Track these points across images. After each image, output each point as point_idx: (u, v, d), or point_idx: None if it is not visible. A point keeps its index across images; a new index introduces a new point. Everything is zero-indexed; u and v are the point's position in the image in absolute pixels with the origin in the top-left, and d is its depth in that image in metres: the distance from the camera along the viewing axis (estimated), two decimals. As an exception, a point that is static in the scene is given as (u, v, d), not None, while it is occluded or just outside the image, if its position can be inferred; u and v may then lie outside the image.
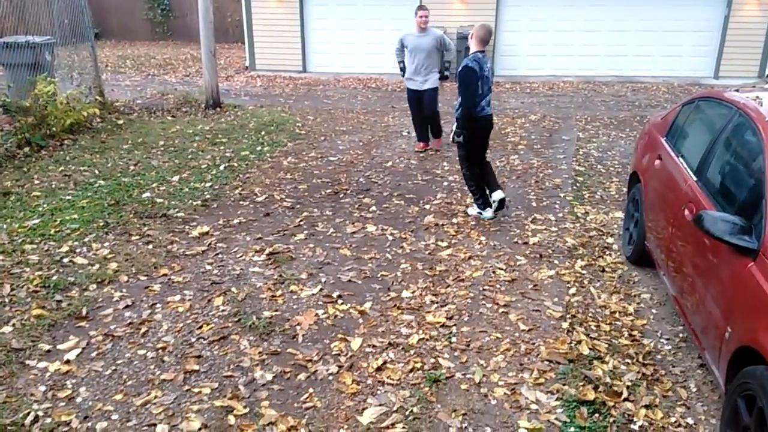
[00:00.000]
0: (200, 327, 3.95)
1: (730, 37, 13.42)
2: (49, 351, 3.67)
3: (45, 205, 5.98)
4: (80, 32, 9.93)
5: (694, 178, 3.82)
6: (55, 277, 4.54)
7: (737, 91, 4.21)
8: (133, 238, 5.30)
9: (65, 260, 4.84)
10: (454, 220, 5.75)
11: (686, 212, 3.66)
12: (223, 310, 4.15)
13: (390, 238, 5.38)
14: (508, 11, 13.99)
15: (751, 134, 3.41)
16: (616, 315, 4.12)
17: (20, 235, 5.27)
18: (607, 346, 3.75)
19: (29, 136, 7.78)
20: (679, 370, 3.56)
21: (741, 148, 3.59)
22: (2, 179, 6.74)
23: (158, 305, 4.22)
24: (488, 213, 5.74)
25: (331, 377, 3.46)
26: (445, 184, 6.82)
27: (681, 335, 3.89)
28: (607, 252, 5.09)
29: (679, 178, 4.04)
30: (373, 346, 3.75)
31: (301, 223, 5.70)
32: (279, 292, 4.40)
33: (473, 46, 5.46)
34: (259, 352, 3.68)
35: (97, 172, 7.07)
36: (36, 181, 6.70)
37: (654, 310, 4.21)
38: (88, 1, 10.05)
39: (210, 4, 10.40)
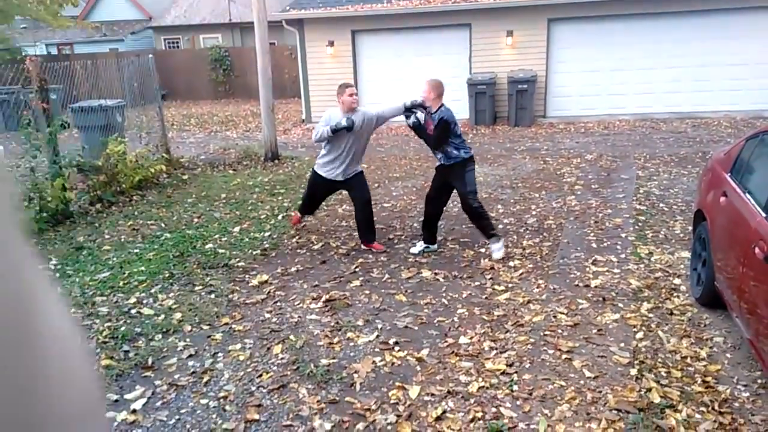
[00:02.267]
0: (260, 375, 3.99)
1: (793, 68, 12.97)
2: (116, 401, 3.78)
3: (115, 259, 6.25)
4: (149, 94, 10.55)
5: (764, 215, 3.66)
6: (123, 328, 4.71)
7: (804, 122, 4.06)
8: (196, 288, 5.45)
9: (133, 311, 5.02)
10: (511, 263, 5.67)
11: (757, 250, 3.49)
12: (281, 358, 4.19)
13: (446, 282, 5.34)
14: (558, 54, 14.01)
15: (822, 167, 3.26)
16: (688, 360, 3.92)
17: (91, 288, 5.51)
18: (679, 393, 3.56)
19: (101, 193, 8.23)
20: (759, 419, 3.33)
21: (811, 181, 3.43)
22: (75, 235, 7.11)
23: (220, 354, 4.29)
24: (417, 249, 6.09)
25: (389, 427, 3.41)
26: (500, 226, 6.75)
27: (759, 381, 3.66)
28: (675, 294, 4.89)
29: (748, 214, 3.88)
30: (432, 395, 3.69)
31: (357, 269, 5.74)
32: (336, 340, 4.41)
33: (436, 103, 5.74)
34: (318, 401, 3.67)
35: (163, 225, 7.36)
36: (107, 236, 7.04)
37: (728, 355, 3.98)
38: (156, 64, 10.69)
39: (268, 64, 10.87)
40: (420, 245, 6.15)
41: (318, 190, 6.47)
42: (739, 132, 11.05)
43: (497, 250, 5.79)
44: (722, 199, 4.44)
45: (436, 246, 6.16)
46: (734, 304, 3.93)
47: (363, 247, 6.27)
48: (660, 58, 13.51)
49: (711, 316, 4.48)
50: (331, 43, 14.86)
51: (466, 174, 5.80)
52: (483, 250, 6.08)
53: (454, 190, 5.97)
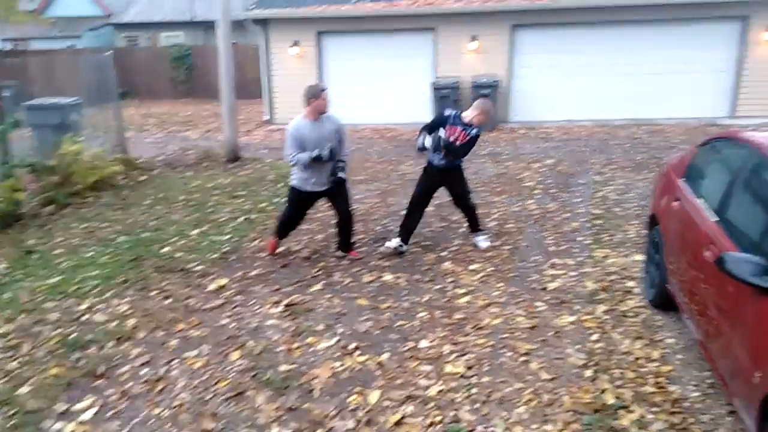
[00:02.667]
0: (216, 383, 3.92)
1: (745, 78, 13.39)
2: (65, 412, 3.66)
3: (67, 263, 6.07)
4: (107, 93, 10.30)
5: (714, 219, 3.76)
6: (73, 335, 4.57)
7: (754, 131, 4.18)
8: (151, 293, 5.33)
9: (84, 318, 4.88)
10: (472, 267, 5.70)
11: (708, 254, 3.58)
12: (239, 365, 4.12)
13: (407, 286, 5.34)
14: (521, 59, 14.18)
15: (769, 173, 3.36)
16: (641, 361, 4.00)
17: (41, 294, 5.34)
18: (632, 394, 3.63)
19: (54, 194, 7.98)
20: (709, 418, 3.42)
21: (761, 187, 3.53)
22: (26, 238, 6.89)
23: (175, 361, 4.20)
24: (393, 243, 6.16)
25: (348, 433, 3.39)
26: (461, 230, 6.79)
27: (709, 381, 3.76)
28: (629, 296, 4.98)
29: (699, 219, 3.98)
30: (391, 400, 3.68)
31: (318, 273, 5.70)
32: (296, 345, 4.37)
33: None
34: (276, 408, 3.63)
35: (118, 228, 7.19)
36: (59, 239, 6.83)
37: (679, 356, 4.08)
38: (115, 62, 10.44)
39: (231, 63, 10.73)
40: (396, 241, 6.14)
41: (302, 207, 5.99)
42: (693, 139, 11.35)
43: (484, 240, 6.28)
44: (675, 204, 4.55)
45: (407, 247, 6.20)
46: (685, 306, 4.03)
47: (341, 253, 6.09)
48: (618, 66, 13.81)
49: (663, 318, 4.59)
50: (296, 44, 14.75)
51: (464, 176, 6.23)
52: (444, 253, 6.11)
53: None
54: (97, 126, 10.28)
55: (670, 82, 13.68)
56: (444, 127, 5.83)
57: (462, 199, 6.23)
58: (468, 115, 5.87)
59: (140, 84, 23.22)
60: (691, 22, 13.35)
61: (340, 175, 5.75)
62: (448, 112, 5.92)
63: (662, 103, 13.76)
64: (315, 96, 5.60)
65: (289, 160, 5.72)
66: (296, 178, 5.85)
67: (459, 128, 5.83)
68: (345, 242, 6.09)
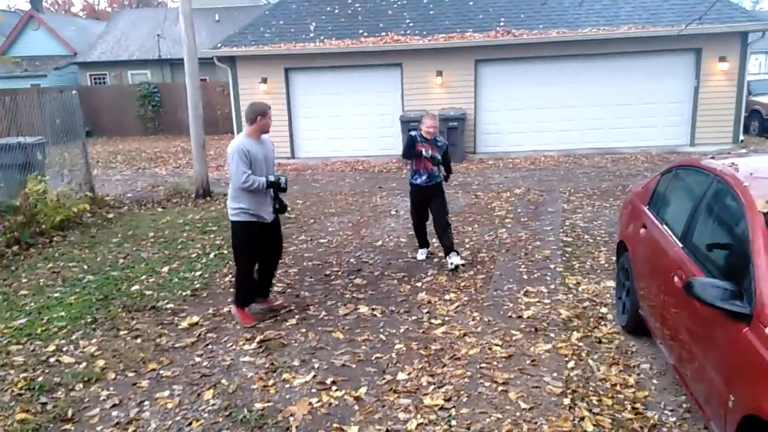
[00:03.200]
0: (189, 424, 3.81)
1: (702, 106, 13.92)
2: (32, 457, 3.52)
3: (32, 304, 5.90)
4: (72, 131, 10.17)
5: (680, 245, 3.85)
6: (40, 379, 4.42)
7: (713, 158, 4.32)
8: (121, 333, 5.20)
9: (51, 360, 4.73)
10: (447, 297, 5.71)
11: (676, 279, 3.66)
12: (213, 404, 4.02)
13: (383, 318, 5.32)
14: (486, 93, 14.52)
15: (731, 199, 3.47)
16: (617, 387, 4.03)
17: (6, 336, 5.17)
18: (611, 421, 3.64)
19: (18, 234, 7.79)
20: (686, 443, 3.44)
21: (723, 213, 3.64)
22: (-11, 279, 6.68)
23: (146, 402, 4.08)
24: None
25: (327, 470, 3.32)
26: (435, 260, 6.82)
27: (685, 405, 3.80)
28: (603, 322, 5.04)
29: (666, 245, 4.07)
30: (370, 434, 3.62)
31: (293, 307, 5.63)
32: (271, 382, 4.29)
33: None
34: (252, 447, 3.54)
35: (86, 267, 7.02)
36: (24, 280, 6.64)
37: (655, 381, 4.12)
38: (81, 101, 10.35)
39: (199, 100, 10.73)
40: (423, 252, 7.01)
41: (257, 244, 5.29)
42: (655, 166, 11.71)
43: (459, 257, 6.51)
44: (642, 230, 4.65)
45: (428, 248, 7.05)
46: (658, 331, 4.09)
47: (260, 302, 5.55)
48: (580, 97, 14.23)
49: (637, 343, 4.64)
50: (264, 80, 14.84)
51: (444, 193, 6.71)
52: (419, 284, 6.12)
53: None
54: (63, 164, 10.12)
55: (631, 112, 14.15)
56: (415, 147, 6.42)
57: (442, 216, 6.58)
58: (424, 131, 6.44)
59: (107, 122, 23.04)
60: (648, 55, 13.89)
61: (286, 203, 5.47)
62: (413, 133, 6.54)
63: (624, 132, 14.20)
64: (262, 113, 5.18)
65: (242, 181, 4.94)
66: (243, 209, 5.10)
67: (427, 144, 6.43)
68: (269, 285, 5.62)
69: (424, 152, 6.36)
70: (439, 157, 6.46)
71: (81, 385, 4.32)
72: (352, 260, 7.00)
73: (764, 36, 13.53)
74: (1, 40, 27.15)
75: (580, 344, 4.65)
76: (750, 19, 13.88)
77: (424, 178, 6.50)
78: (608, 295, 5.56)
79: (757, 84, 17.15)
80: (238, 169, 4.98)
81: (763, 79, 19.78)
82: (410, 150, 6.42)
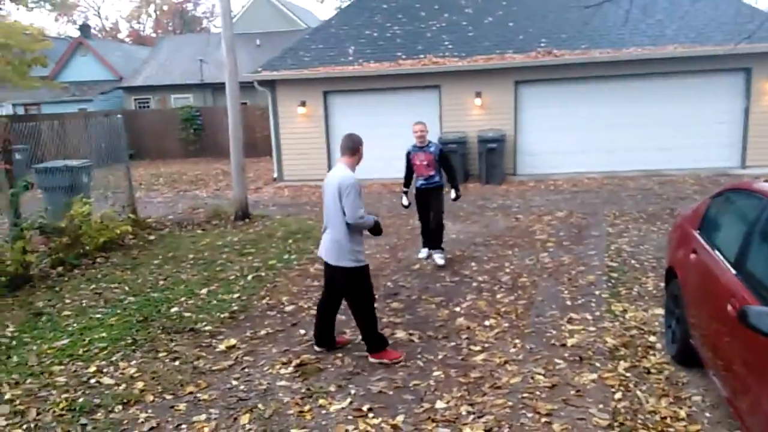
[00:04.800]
0: (226, 449, 3.77)
1: (753, 127, 13.47)
2: (69, 480, 3.52)
3: (75, 325, 5.99)
4: (116, 154, 10.45)
5: (734, 272, 3.67)
6: (81, 400, 4.46)
7: (766, 181, 4.15)
8: (160, 354, 5.22)
9: (92, 381, 4.77)
10: (486, 323, 5.58)
11: (729, 307, 3.48)
12: (249, 429, 3.98)
13: (421, 343, 5.22)
14: (526, 114, 14.36)
15: (787, 224, 3.30)
16: (668, 421, 3.84)
17: (49, 356, 5.25)
18: (661, 457, 3.46)
19: (63, 256, 7.98)
20: (745, 483, 3.24)
21: (778, 238, 3.46)
22: (35, 300, 6.84)
23: (183, 426, 4.07)
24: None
25: (364, 502, 3.22)
26: (474, 285, 6.70)
27: (741, 442, 3.58)
28: (651, 352, 4.83)
29: (718, 272, 3.89)
30: (408, 465, 3.52)
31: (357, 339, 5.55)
32: (307, 407, 4.23)
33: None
34: (288, 476, 3.47)
35: (127, 288, 7.13)
36: (67, 301, 6.77)
37: (708, 414, 3.92)
38: (125, 124, 10.63)
39: (239, 123, 10.91)
40: (424, 251, 7.76)
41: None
42: (704, 189, 11.35)
43: (440, 257, 7.47)
44: (692, 256, 4.46)
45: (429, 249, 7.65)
46: (710, 362, 3.90)
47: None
48: (624, 118, 13.93)
49: (688, 374, 4.43)
50: (303, 103, 15.03)
51: (443, 195, 7.46)
52: (458, 309, 6.00)
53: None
54: (107, 187, 10.37)
55: (678, 133, 13.78)
56: (411, 161, 7.37)
57: (436, 215, 7.37)
58: (415, 139, 7.31)
59: (150, 144, 23.65)
60: (695, 75, 13.56)
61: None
62: (407, 150, 7.44)
63: (671, 153, 13.82)
64: (361, 144, 5.00)
65: (358, 216, 4.69)
66: (361, 252, 4.87)
67: (421, 153, 7.31)
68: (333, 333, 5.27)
69: (417, 161, 7.31)
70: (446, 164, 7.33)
71: (120, 407, 4.34)
72: (389, 284, 6.93)
73: (815, 54, 13.07)
74: (51, 66, 28.25)
75: (628, 374, 4.46)
76: (801, 36, 13.43)
77: (422, 181, 7.42)
78: (657, 323, 5.34)
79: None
80: (356, 203, 4.68)
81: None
82: (408, 167, 7.45)
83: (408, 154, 7.43)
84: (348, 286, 4.90)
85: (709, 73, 13.48)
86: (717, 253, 4.08)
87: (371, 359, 4.93)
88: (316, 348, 5.16)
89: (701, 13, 14.30)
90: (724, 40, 12.76)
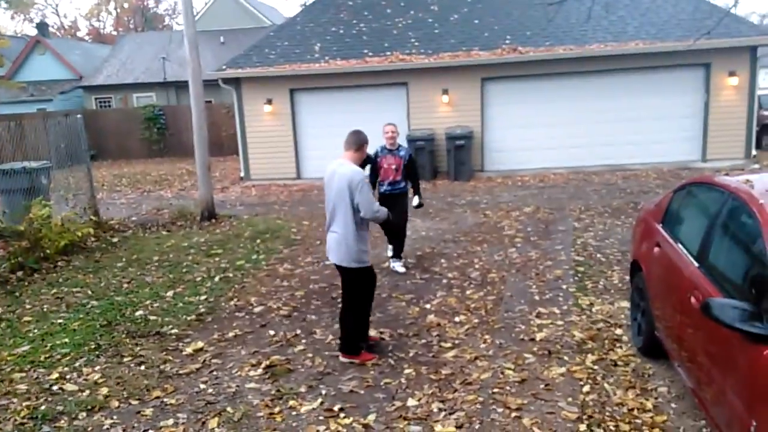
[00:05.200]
0: (194, 454, 3.70)
1: (713, 122, 13.81)
2: (31, 492, 3.41)
3: (36, 330, 5.82)
4: (77, 155, 10.17)
5: (696, 264, 3.75)
6: (43, 407, 4.33)
7: (727, 174, 4.23)
8: (125, 359, 5.10)
9: (54, 388, 4.64)
10: (457, 319, 5.60)
11: (692, 300, 3.55)
12: (218, 434, 3.91)
13: (392, 341, 5.20)
14: (493, 110, 14.47)
15: (747, 217, 3.38)
16: (635, 412, 3.90)
17: (9, 364, 5.08)
18: (629, 448, 3.51)
19: (22, 260, 7.74)
20: (710, 471, 3.31)
21: (739, 231, 3.55)
22: (-7, 305, 6.62)
23: (150, 431, 3.98)
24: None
25: (336, 503, 3.20)
26: (444, 281, 6.72)
27: (705, 430, 3.66)
28: (618, 344, 4.91)
29: (681, 264, 3.96)
30: (380, 464, 3.50)
31: (299, 331, 5.53)
32: (277, 409, 4.18)
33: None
34: (258, 479, 3.42)
35: (90, 292, 6.95)
36: (27, 306, 6.57)
37: (673, 405, 3.99)
38: (86, 124, 10.36)
39: (204, 121, 10.73)
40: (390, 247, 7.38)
41: None
42: (667, 183, 11.59)
43: (400, 266, 7.21)
44: (656, 249, 4.54)
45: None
46: (675, 354, 3.97)
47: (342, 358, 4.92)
48: (589, 113, 14.15)
49: (654, 365, 4.51)
50: (270, 101, 14.88)
51: (407, 201, 7.24)
52: (428, 306, 6.01)
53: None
54: (67, 188, 10.11)
55: (641, 128, 14.04)
56: (378, 163, 7.00)
57: (399, 222, 6.97)
58: (385, 140, 7.03)
59: (112, 145, 23.15)
60: (657, 70, 13.83)
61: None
62: (374, 151, 6.90)
63: (635, 148, 14.09)
64: (366, 143, 4.91)
65: (375, 210, 4.68)
66: (366, 252, 4.79)
67: (390, 156, 7.06)
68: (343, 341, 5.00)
69: (386, 164, 7.00)
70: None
71: (84, 414, 4.23)
72: (359, 282, 6.89)
73: (772, 50, 13.48)
74: (8, 66, 27.41)
75: (595, 367, 4.52)
76: (759, 33, 13.81)
77: (386, 186, 7.09)
78: (623, 316, 5.43)
79: (768, 98, 17.04)
80: (370, 197, 4.67)
81: (773, 93, 19.64)
82: (373, 170, 6.84)
83: (375, 156, 6.93)
84: (349, 285, 4.82)
85: (670, 68, 13.78)
86: (680, 246, 4.15)
87: (342, 359, 4.88)
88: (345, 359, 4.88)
89: (662, 9, 14.60)
90: (684, 36, 13.03)
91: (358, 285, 4.81)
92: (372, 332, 5.22)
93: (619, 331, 5.14)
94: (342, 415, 4.07)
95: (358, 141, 4.84)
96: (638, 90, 13.97)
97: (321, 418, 4.05)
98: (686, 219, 4.46)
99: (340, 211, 4.65)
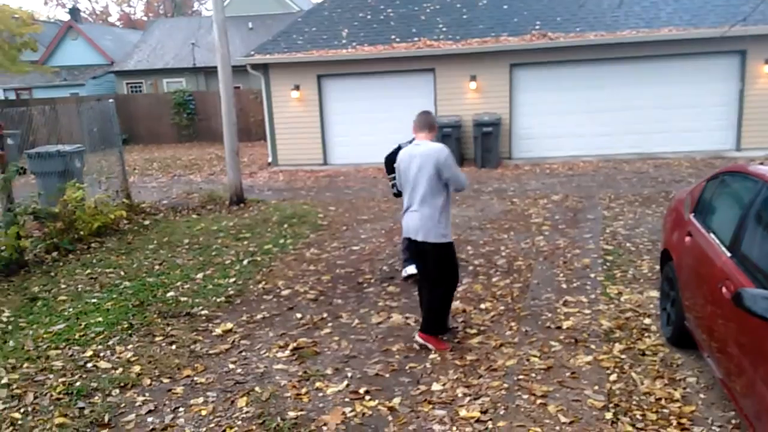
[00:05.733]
0: (224, 431, 3.79)
1: (748, 110, 13.48)
2: (68, 464, 3.53)
3: (71, 310, 5.98)
4: (109, 139, 10.37)
5: (728, 254, 3.69)
6: (78, 383, 4.46)
7: (762, 163, 4.15)
8: (156, 339, 5.23)
9: (89, 365, 4.77)
10: (482, 306, 5.60)
11: (724, 290, 3.50)
12: (246, 412, 4.00)
13: (417, 327, 5.22)
14: (521, 97, 14.32)
15: (783, 206, 3.31)
16: (662, 402, 3.87)
17: (45, 341, 5.24)
18: (655, 437, 3.50)
19: (57, 241, 7.95)
20: (738, 462, 3.28)
21: (773, 221, 3.47)
22: (30, 285, 6.82)
23: (181, 409, 4.08)
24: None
25: (361, 483, 3.25)
26: (470, 268, 6.71)
27: (734, 421, 3.62)
28: (646, 334, 4.87)
29: (713, 254, 3.91)
30: (405, 447, 3.55)
31: (325, 315, 5.60)
32: (304, 390, 4.25)
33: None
34: (286, 457, 3.49)
35: (122, 273, 7.11)
36: (63, 286, 6.76)
37: (702, 395, 3.95)
38: (117, 109, 10.54)
39: (233, 107, 10.83)
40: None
41: None
42: (700, 172, 11.38)
43: (413, 267, 5.89)
44: (687, 239, 4.48)
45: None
46: (704, 344, 3.93)
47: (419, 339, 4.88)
48: (620, 101, 13.92)
49: (683, 355, 4.46)
50: (297, 87, 14.93)
51: None
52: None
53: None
54: (100, 172, 10.32)
55: (673, 116, 13.78)
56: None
57: None
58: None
59: (143, 129, 23.51)
60: (691, 57, 13.53)
61: None
62: (399, 145, 5.73)
63: (667, 136, 13.84)
64: (436, 123, 5.03)
65: (465, 180, 4.84)
66: (448, 226, 4.79)
67: None
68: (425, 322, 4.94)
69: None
70: None
71: (117, 391, 4.35)
72: (385, 267, 6.94)
73: (811, 37, 13.05)
74: (42, 51, 27.92)
75: (623, 356, 4.49)
76: (796, 19, 13.40)
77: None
78: (652, 306, 5.37)
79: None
80: (457, 169, 4.70)
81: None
82: (391, 169, 5.82)
83: (396, 150, 5.85)
84: (438, 261, 4.78)
85: (704, 55, 13.46)
86: (712, 236, 4.09)
87: (417, 338, 4.85)
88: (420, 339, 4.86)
89: (696, -5, 14.26)
90: (719, 22, 12.72)
91: (446, 260, 4.80)
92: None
93: (647, 321, 5.10)
94: (367, 397, 4.12)
95: (430, 121, 4.88)
96: (671, 77, 13.68)
97: (347, 399, 4.10)
98: (719, 208, 4.39)
99: (425, 189, 4.64)
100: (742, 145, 13.60)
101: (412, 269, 5.98)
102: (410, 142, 5.78)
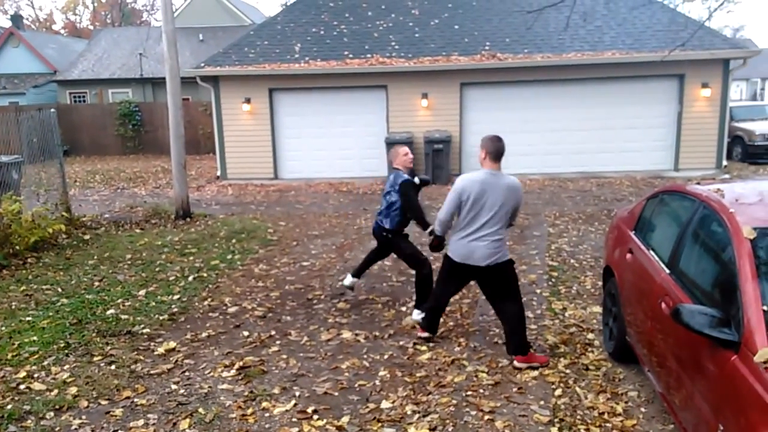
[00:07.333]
0: (165, 455, 3.65)
1: (686, 132, 14.12)
2: (-5, 493, 3.33)
3: (3, 328, 5.68)
4: (49, 150, 9.99)
5: (667, 271, 3.81)
6: (9, 406, 4.22)
7: (698, 183, 4.31)
8: (95, 358, 5.02)
9: (22, 387, 4.53)
10: (432, 323, 5.60)
11: (663, 306, 3.61)
12: (190, 435, 3.87)
13: (367, 343, 5.20)
14: (471, 115, 14.60)
15: (717, 225, 3.45)
16: (605, 416, 3.95)
17: (-26, 362, 4.96)
18: (599, 451, 3.55)
19: (-9, 255, 7.57)
20: (677, 475, 3.36)
21: (709, 239, 3.61)
22: (-41, 302, 6.46)
23: (120, 432, 3.92)
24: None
25: (307, 505, 3.18)
26: (420, 285, 6.72)
27: (674, 435, 3.73)
28: (590, 349, 4.97)
29: (653, 271, 4.03)
30: (353, 467, 3.49)
31: (273, 332, 5.50)
32: (250, 410, 4.14)
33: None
34: (229, 481, 3.39)
35: (60, 290, 6.82)
36: (-5, 303, 6.43)
37: (643, 409, 4.05)
38: (59, 119, 10.19)
39: (181, 119, 10.62)
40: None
41: None
42: (640, 191, 11.79)
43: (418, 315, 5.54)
44: (628, 256, 4.61)
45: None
46: (645, 359, 4.03)
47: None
48: (565, 121, 14.36)
49: (625, 370, 4.57)
50: (248, 101, 14.79)
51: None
52: (404, 309, 6.01)
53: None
54: (39, 184, 9.92)
55: (615, 137, 14.31)
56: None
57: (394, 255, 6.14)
58: (403, 166, 5.68)
59: (86, 140, 22.81)
60: (632, 80, 14.10)
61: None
62: (406, 179, 5.57)
63: (610, 156, 14.34)
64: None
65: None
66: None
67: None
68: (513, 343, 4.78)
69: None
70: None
71: (52, 414, 4.14)
72: (335, 284, 6.89)
73: (745, 63, 13.79)
74: (-19, 58, 26.85)
75: (568, 371, 4.57)
76: (731, 46, 14.17)
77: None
78: (595, 321, 5.50)
79: (739, 110, 17.43)
80: None
81: (745, 105, 20.14)
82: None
83: (411, 184, 5.59)
84: (513, 277, 4.85)
85: (645, 78, 14.04)
86: (651, 252, 4.22)
87: (517, 364, 4.66)
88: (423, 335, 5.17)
89: (638, 20, 14.87)
90: (660, 47, 13.30)
91: (515, 276, 4.92)
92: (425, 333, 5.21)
93: (591, 336, 5.21)
94: (315, 417, 4.05)
95: (503, 151, 5.11)
96: (614, 99, 14.22)
97: (294, 419, 4.03)
98: (658, 226, 4.54)
99: (501, 217, 4.78)
100: (679, 165, 14.20)
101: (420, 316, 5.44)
102: (415, 175, 5.64)
